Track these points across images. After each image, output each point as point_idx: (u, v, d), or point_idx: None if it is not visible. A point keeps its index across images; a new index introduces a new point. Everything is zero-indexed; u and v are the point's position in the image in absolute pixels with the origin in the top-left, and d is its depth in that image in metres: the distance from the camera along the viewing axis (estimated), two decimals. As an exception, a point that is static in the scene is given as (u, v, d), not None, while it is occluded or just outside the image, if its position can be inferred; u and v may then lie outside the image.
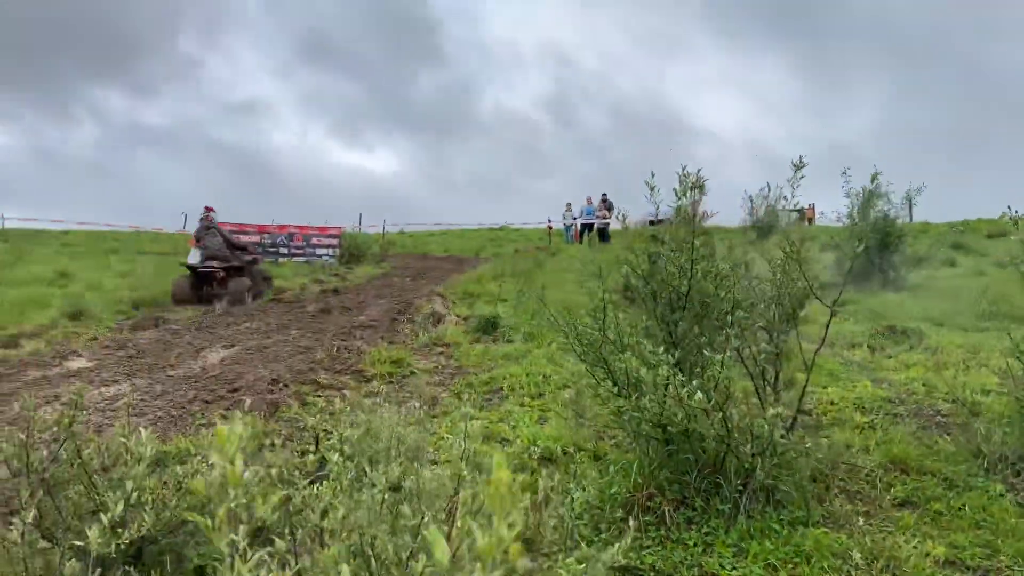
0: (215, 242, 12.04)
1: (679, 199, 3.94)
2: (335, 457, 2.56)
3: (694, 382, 3.55)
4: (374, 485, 2.24)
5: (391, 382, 6.12)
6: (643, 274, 4.01)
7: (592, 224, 24.72)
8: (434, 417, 5.16)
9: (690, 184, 3.82)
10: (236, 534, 1.06)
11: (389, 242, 24.27)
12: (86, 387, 2.72)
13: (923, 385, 5.73)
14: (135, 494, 1.72)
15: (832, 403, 5.30)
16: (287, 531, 1.94)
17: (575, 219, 26.04)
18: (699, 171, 3.77)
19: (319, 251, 18.88)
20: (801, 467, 3.57)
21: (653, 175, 4.33)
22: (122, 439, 2.11)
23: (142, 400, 5.56)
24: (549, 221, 27.81)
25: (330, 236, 19.27)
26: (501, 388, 5.88)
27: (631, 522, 2.31)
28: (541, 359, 6.56)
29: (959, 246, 17.18)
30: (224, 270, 11.70)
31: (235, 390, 5.80)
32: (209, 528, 1.05)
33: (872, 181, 8.61)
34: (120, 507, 1.74)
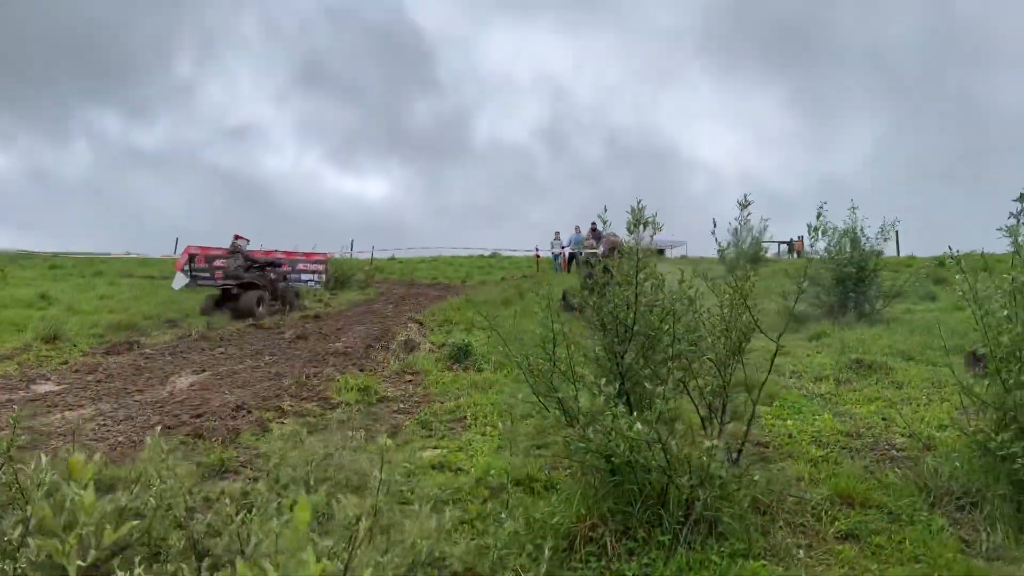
0: (233, 263, 14.15)
1: (630, 233, 4.02)
2: (259, 485, 2.60)
3: (634, 413, 3.60)
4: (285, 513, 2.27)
5: (357, 409, 6.14)
6: (594, 306, 4.07)
7: (579, 254, 24.82)
8: (395, 446, 5.17)
9: (638, 220, 3.90)
10: (87, 559, 1.10)
11: (377, 268, 24.29)
12: (21, 413, 2.75)
13: (882, 419, 5.77)
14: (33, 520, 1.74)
15: (790, 436, 5.33)
16: (194, 557, 1.97)
17: (563, 248, 26.15)
18: (642, 206, 3.84)
19: (304, 276, 18.89)
20: (742, 499, 3.60)
21: (606, 209, 4.43)
22: (21, 466, 2.14)
23: (104, 425, 5.57)
24: (536, 249, 27.93)
25: (316, 262, 19.32)
26: (465, 417, 5.90)
27: (546, 552, 2.34)
28: (508, 387, 6.60)
29: (941, 280, 17.29)
30: (238, 287, 13.53)
31: (198, 416, 5.81)
32: (59, 552, 1.09)
33: (816, 219, 8.69)
34: (17, 532, 1.76)
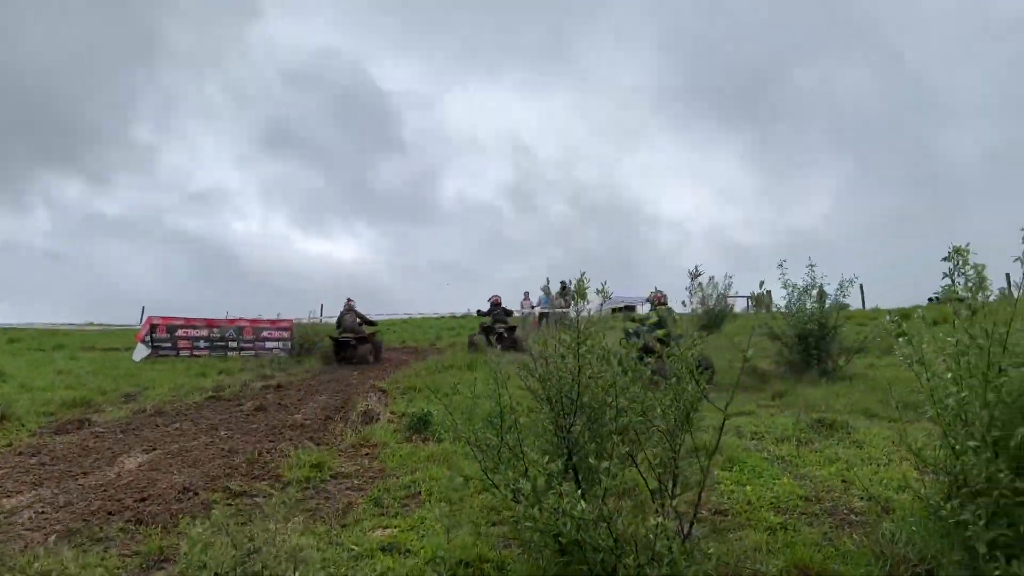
0: (351, 320, 17.43)
1: (554, 305, 4.00)
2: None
3: (582, 489, 3.53)
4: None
5: (307, 487, 5.97)
6: (540, 378, 4.01)
7: (548, 313, 24.80)
8: (343, 526, 5.01)
9: (581, 292, 3.89)
10: None
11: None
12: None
13: (842, 481, 5.72)
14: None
15: (749, 502, 5.26)
16: None
17: (533, 307, 26.12)
18: (583, 274, 3.84)
19: (269, 344, 18.62)
20: (693, 576, 3.50)
21: (548, 280, 4.41)
22: None
23: (41, 512, 5.34)
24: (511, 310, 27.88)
25: (281, 329, 19.08)
26: (420, 492, 5.75)
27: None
28: (467, 460, 6.46)
29: (902, 334, 17.46)
30: (356, 340, 16.84)
31: (143, 499, 5.60)
32: None
33: (759, 287, 8.74)
34: None
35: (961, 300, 3.97)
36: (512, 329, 18.11)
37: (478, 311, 19.98)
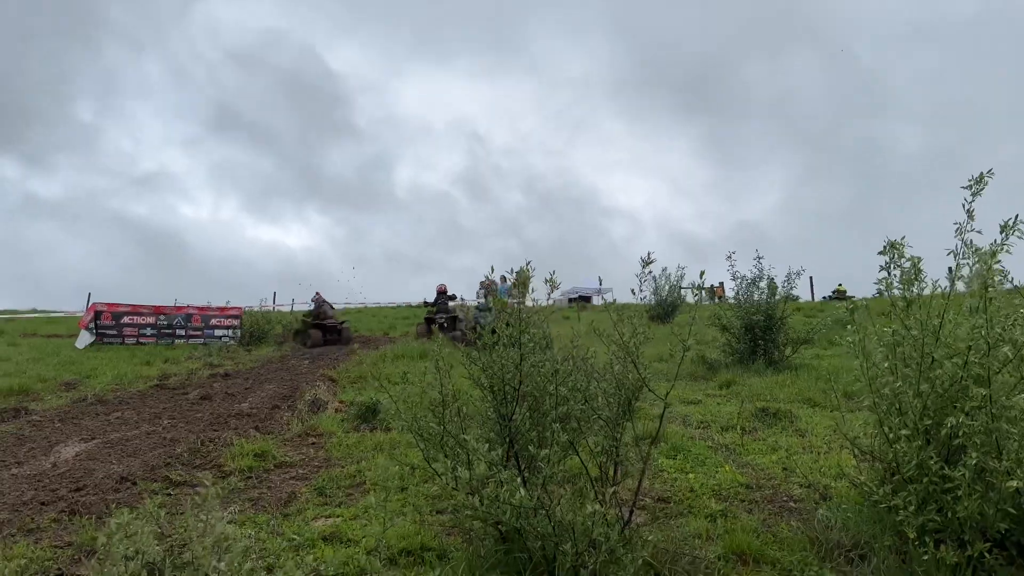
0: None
1: (511, 294, 3.99)
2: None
3: (525, 476, 3.53)
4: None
5: (250, 477, 5.87)
6: (482, 366, 4.00)
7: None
8: (285, 516, 4.94)
9: (523, 281, 3.88)
10: None
11: (296, 321, 23.76)
12: None
13: (783, 469, 5.83)
14: None
15: (691, 489, 5.32)
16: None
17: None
18: (528, 263, 3.83)
19: (218, 332, 18.30)
20: (630, 563, 3.53)
21: (493, 271, 4.40)
22: None
23: (-29, 503, 5.16)
24: (462, 299, 27.89)
25: (230, 317, 18.76)
26: (364, 482, 5.70)
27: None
28: (413, 449, 6.42)
29: (850, 324, 17.83)
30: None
31: (78, 489, 5.45)
32: None
33: (700, 276, 8.87)
34: None
35: (850, 300, 4.07)
36: (454, 319, 18.85)
37: (424, 301, 20.94)
